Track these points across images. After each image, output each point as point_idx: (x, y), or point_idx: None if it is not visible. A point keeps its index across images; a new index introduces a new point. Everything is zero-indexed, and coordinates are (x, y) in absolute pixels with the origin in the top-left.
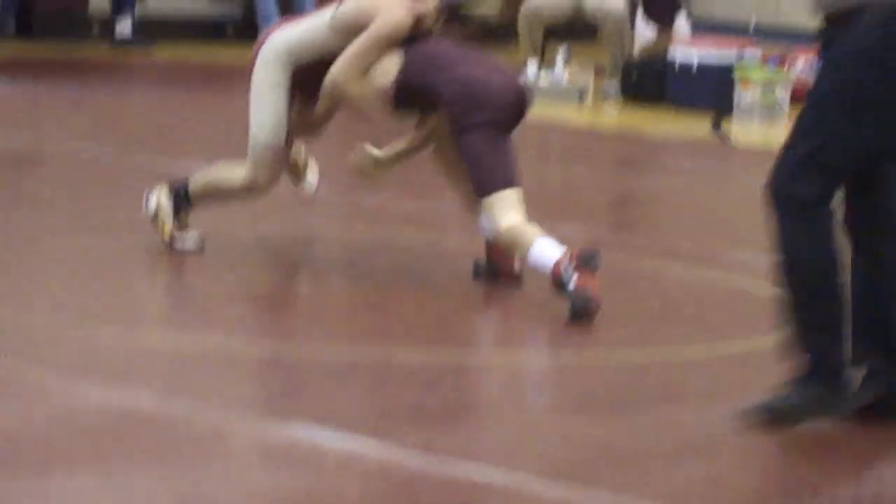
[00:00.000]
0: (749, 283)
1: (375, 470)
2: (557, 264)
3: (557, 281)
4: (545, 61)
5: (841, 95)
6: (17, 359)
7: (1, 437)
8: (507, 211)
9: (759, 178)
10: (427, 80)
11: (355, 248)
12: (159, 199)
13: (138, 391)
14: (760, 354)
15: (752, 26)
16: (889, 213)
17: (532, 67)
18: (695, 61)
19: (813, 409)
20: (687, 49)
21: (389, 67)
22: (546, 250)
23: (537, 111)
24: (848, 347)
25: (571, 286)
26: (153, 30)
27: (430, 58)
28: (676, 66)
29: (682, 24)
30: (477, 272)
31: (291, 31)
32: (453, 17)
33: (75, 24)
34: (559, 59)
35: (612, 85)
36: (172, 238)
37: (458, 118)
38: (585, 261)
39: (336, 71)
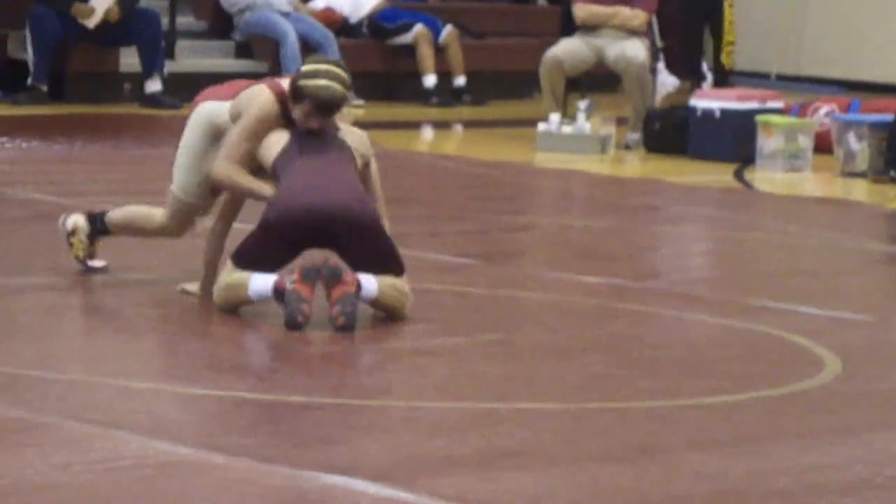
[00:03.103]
0: (772, 329)
1: None
2: (279, 280)
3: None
4: (567, 114)
5: None
6: (57, 414)
7: (45, 486)
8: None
9: (781, 225)
10: (276, 172)
11: None
12: (76, 221)
13: (173, 441)
14: (785, 401)
15: (773, 76)
16: None
17: (554, 119)
18: (717, 109)
19: None
20: (709, 99)
21: (275, 145)
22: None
23: (560, 161)
24: None
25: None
26: (182, 86)
27: (293, 152)
28: (699, 112)
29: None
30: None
31: (220, 105)
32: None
33: (106, 85)
34: (581, 110)
35: (635, 135)
36: (84, 258)
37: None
38: (305, 274)
39: (214, 167)
